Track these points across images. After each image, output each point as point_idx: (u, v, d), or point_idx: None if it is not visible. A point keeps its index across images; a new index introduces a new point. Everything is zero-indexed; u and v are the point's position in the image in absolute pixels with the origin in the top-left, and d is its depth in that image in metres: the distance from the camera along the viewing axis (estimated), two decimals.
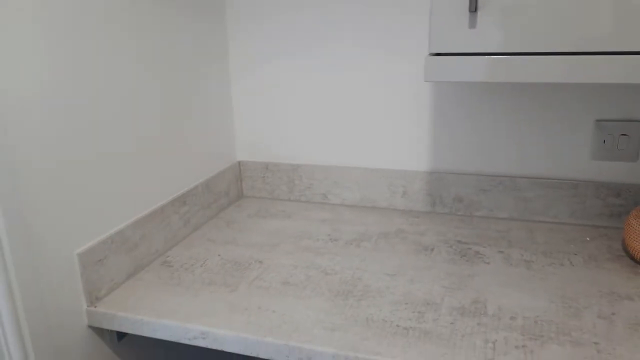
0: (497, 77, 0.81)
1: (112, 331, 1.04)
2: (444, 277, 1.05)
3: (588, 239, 1.21)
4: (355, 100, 1.39)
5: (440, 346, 0.83)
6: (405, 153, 1.39)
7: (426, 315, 0.91)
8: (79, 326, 0.97)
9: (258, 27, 1.41)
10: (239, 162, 1.54)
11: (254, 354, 0.88)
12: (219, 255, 1.18)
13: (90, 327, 0.99)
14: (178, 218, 1.24)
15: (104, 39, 0.98)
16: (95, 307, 0.98)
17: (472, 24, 0.79)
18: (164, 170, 1.20)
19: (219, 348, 0.90)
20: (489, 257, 1.13)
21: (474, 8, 0.77)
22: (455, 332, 0.86)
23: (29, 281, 0.86)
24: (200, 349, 1.40)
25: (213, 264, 1.13)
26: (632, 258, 1.09)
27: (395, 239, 1.23)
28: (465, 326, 0.88)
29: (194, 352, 1.37)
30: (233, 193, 1.51)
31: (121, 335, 1.06)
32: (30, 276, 0.86)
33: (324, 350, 0.83)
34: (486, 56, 0.82)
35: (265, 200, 1.52)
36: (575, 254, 1.13)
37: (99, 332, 1.02)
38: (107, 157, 1.01)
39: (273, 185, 1.53)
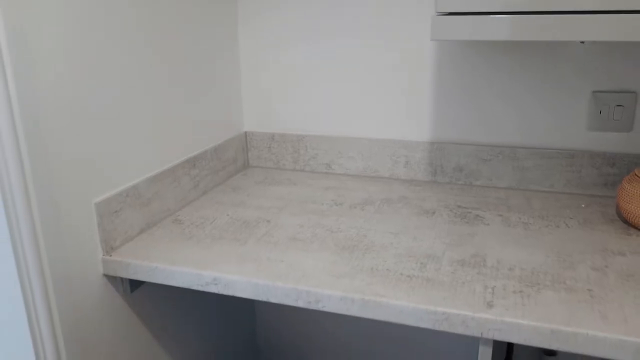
0: (498, 36, 0.85)
1: (125, 282, 1.08)
2: (445, 235, 1.09)
3: (583, 205, 1.25)
4: (358, 72, 1.43)
5: (442, 290, 0.87)
6: (407, 124, 1.43)
7: (428, 266, 0.96)
8: (94, 275, 1.01)
9: (267, 1, 1.45)
10: (246, 133, 1.58)
11: (263, 299, 0.92)
12: (227, 214, 1.22)
13: (105, 275, 1.03)
14: (188, 180, 1.28)
15: (130, 19, 1.02)
16: (111, 255, 1.02)
17: None
18: (176, 133, 1.24)
19: (230, 293, 0.94)
20: (489, 220, 1.17)
21: None
22: (456, 279, 0.91)
23: (52, 228, 0.90)
24: (208, 302, 1.44)
25: (222, 222, 1.18)
26: (625, 221, 1.14)
27: (398, 204, 1.28)
28: (466, 275, 0.92)
29: (201, 307, 1.42)
30: (240, 162, 1.55)
31: (134, 287, 1.10)
32: (53, 223, 0.90)
33: (332, 293, 0.87)
34: (488, 15, 0.86)
35: (271, 170, 1.56)
36: (571, 218, 1.18)
37: (113, 281, 1.06)
38: (125, 114, 1.05)
39: (278, 155, 1.57)
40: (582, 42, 1.19)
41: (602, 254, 1.00)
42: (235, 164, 1.53)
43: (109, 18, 0.99)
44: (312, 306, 0.89)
